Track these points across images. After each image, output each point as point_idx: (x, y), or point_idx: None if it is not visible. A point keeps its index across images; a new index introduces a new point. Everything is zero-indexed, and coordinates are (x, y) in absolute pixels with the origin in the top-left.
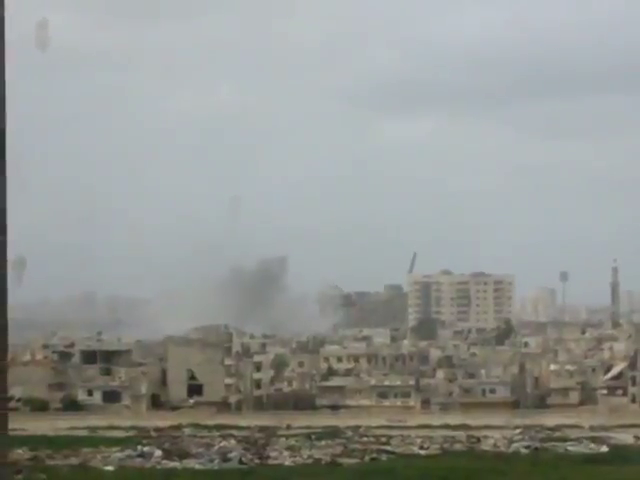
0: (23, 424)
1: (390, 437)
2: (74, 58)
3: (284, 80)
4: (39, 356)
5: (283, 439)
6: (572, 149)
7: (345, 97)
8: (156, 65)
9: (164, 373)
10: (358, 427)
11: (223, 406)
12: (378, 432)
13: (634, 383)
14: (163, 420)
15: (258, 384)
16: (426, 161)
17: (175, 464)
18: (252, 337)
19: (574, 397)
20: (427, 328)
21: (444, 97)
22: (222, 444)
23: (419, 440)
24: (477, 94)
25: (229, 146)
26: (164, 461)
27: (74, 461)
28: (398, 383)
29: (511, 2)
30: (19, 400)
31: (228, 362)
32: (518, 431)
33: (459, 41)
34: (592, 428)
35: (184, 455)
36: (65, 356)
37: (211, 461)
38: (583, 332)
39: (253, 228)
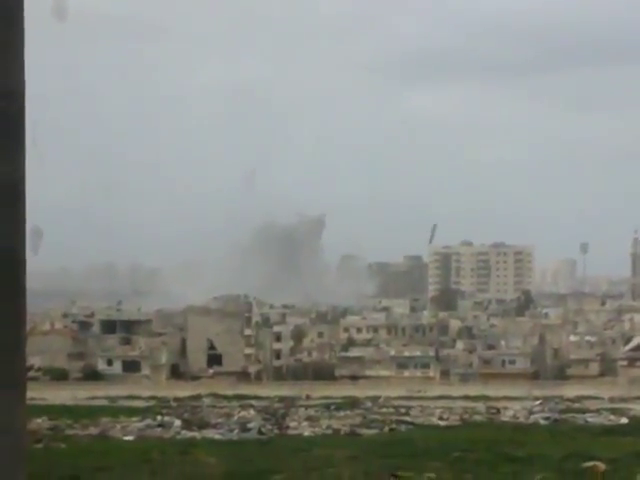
0: (42, 393)
1: (409, 408)
2: (96, 26)
3: (309, 52)
4: (59, 325)
5: (302, 409)
6: (599, 121)
7: (373, 67)
8: (177, 39)
9: (184, 343)
10: (377, 398)
11: (242, 376)
12: (397, 403)
13: None
14: (183, 390)
15: (278, 354)
16: (453, 132)
17: (194, 434)
18: (272, 307)
19: (594, 368)
20: (447, 299)
21: (474, 67)
22: (241, 414)
23: (438, 411)
24: (507, 64)
25: (252, 117)
26: (183, 431)
27: (93, 431)
28: (417, 354)
29: None
30: (39, 369)
31: (247, 332)
32: (537, 402)
33: (489, 10)
34: (612, 399)
35: (203, 425)
36: (85, 326)
37: (230, 431)
38: (603, 303)
39: (273, 199)
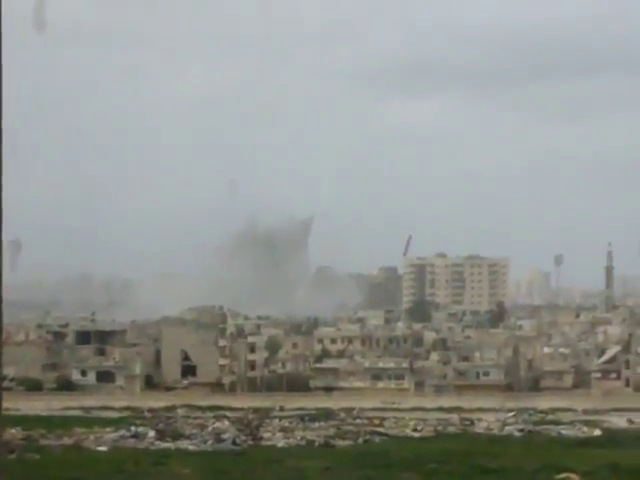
0: (17, 404)
1: (384, 419)
2: (76, 37)
3: (288, 61)
4: (33, 336)
5: (276, 420)
6: (578, 132)
7: (351, 78)
8: (158, 46)
9: (158, 354)
10: (351, 409)
11: (217, 387)
12: (372, 414)
13: (628, 367)
14: (157, 401)
15: (252, 365)
16: (427, 143)
17: (168, 445)
18: (246, 318)
19: (568, 380)
20: (421, 310)
21: (455, 77)
22: (215, 425)
23: (412, 422)
24: (489, 75)
25: (231, 127)
26: (157, 442)
27: (67, 441)
28: (392, 365)
29: None
30: (13, 380)
31: (222, 343)
32: (511, 414)
33: (468, 22)
34: (585, 411)
35: (177, 436)
36: (59, 336)
37: (204, 442)
38: (577, 315)
39: (252, 209)
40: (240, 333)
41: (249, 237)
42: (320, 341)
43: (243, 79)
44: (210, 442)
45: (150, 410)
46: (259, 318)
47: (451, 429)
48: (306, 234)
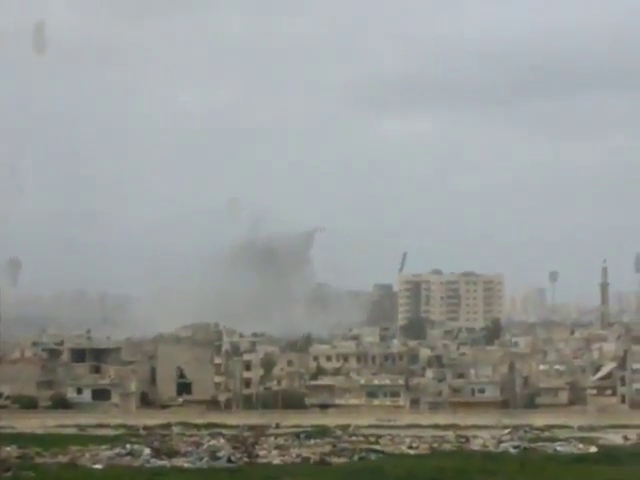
0: (12, 422)
1: (379, 436)
2: (75, 54)
3: (284, 77)
4: (28, 353)
5: (272, 438)
6: (568, 148)
7: (347, 95)
8: (157, 62)
9: (153, 371)
10: (347, 426)
11: (212, 404)
12: (367, 431)
13: (623, 383)
14: (152, 418)
15: (247, 383)
16: (423, 159)
17: (164, 463)
18: (242, 336)
19: (563, 397)
20: (417, 327)
21: (445, 95)
22: (211, 443)
23: (408, 439)
24: (481, 92)
25: (229, 144)
26: (153, 460)
27: (63, 459)
28: (387, 382)
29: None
30: (8, 398)
31: (217, 360)
32: (507, 431)
33: (461, 38)
34: (581, 428)
35: (173, 454)
36: (54, 354)
37: (200, 460)
38: (572, 332)
39: (251, 225)
40: (235, 350)
41: (248, 253)
42: (315, 358)
43: (241, 95)
44: (205, 460)
45: (145, 428)
46: (254, 335)
47: (446, 446)
48: (308, 248)
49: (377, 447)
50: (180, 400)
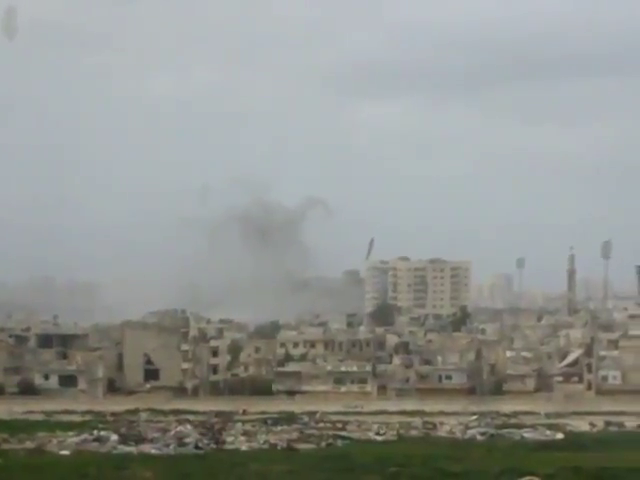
0: None
1: (346, 423)
2: (52, 37)
3: (263, 62)
4: None
5: (239, 424)
6: (539, 134)
7: (323, 80)
8: (136, 45)
9: (120, 357)
10: (314, 413)
11: (179, 391)
12: (334, 418)
13: (590, 370)
14: (119, 405)
15: (215, 369)
16: (398, 145)
17: (131, 449)
18: (209, 322)
19: (530, 384)
20: (384, 314)
21: (422, 80)
22: (178, 429)
23: (375, 426)
24: (458, 78)
25: (205, 128)
26: (120, 446)
27: (30, 445)
28: (355, 369)
29: None
30: None
31: (185, 347)
32: (474, 417)
33: (440, 24)
34: (548, 415)
35: (140, 440)
36: (21, 340)
37: (167, 446)
38: (539, 319)
39: (226, 211)
40: (203, 337)
41: (224, 237)
42: (283, 345)
43: (219, 80)
44: (173, 446)
45: (112, 414)
46: (222, 322)
47: (414, 432)
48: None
49: (344, 433)
50: (147, 386)
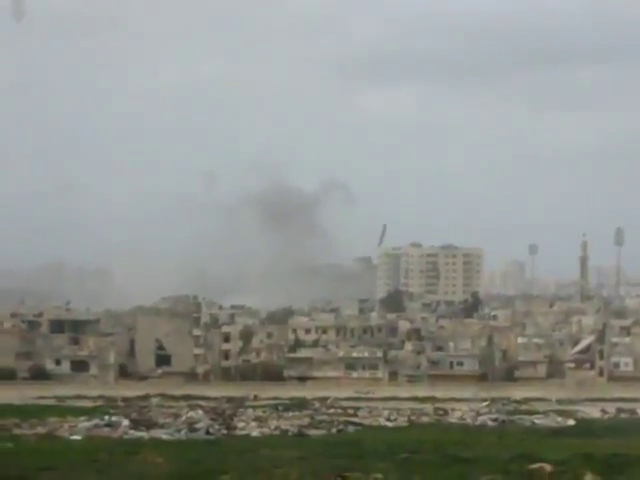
0: None
1: (357, 409)
2: (55, 25)
3: (267, 51)
4: (7, 325)
5: (250, 410)
6: (553, 122)
7: (326, 68)
8: (140, 33)
9: (132, 343)
10: (325, 398)
11: (191, 376)
12: (345, 404)
13: (601, 357)
14: (131, 390)
15: (226, 355)
16: (405, 133)
17: (142, 434)
18: (221, 308)
19: (542, 370)
20: (396, 300)
21: (427, 69)
22: (189, 414)
23: (386, 412)
24: (463, 66)
25: (211, 116)
26: (131, 431)
27: (41, 430)
28: (366, 355)
29: None
30: None
31: (196, 332)
32: (485, 404)
33: (444, 13)
34: (559, 401)
35: (151, 425)
36: (33, 325)
37: (178, 431)
38: (551, 305)
39: (230, 198)
40: (214, 322)
41: (238, 222)
42: (294, 331)
43: (223, 68)
44: (184, 431)
45: (124, 399)
46: (233, 307)
47: (425, 419)
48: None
49: (355, 419)
50: (159, 372)
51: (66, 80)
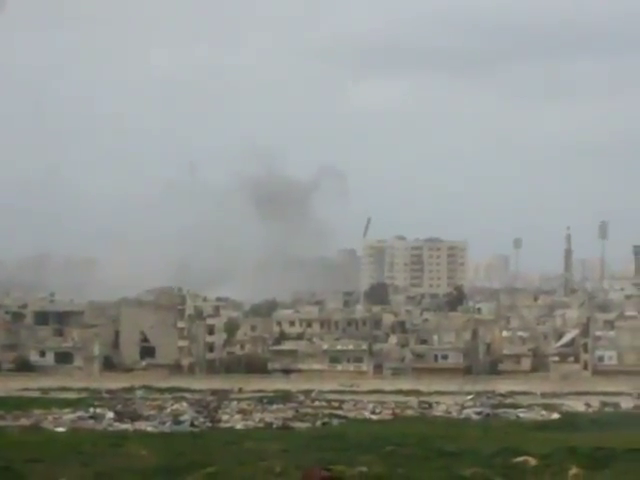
0: None
1: (342, 402)
2: (40, 17)
3: (263, 38)
4: None
5: (235, 402)
6: (537, 115)
7: (324, 56)
8: (131, 23)
9: (117, 335)
10: (310, 391)
11: (175, 369)
12: (330, 397)
13: (586, 350)
14: (115, 382)
15: (211, 347)
16: (401, 124)
17: (127, 426)
18: (205, 300)
19: (526, 364)
20: (380, 293)
21: (422, 61)
22: (174, 407)
23: (371, 405)
24: (458, 56)
25: (198, 105)
26: (116, 423)
27: (25, 422)
28: (351, 348)
29: None
30: None
31: (181, 325)
32: (470, 397)
33: (443, 3)
34: (543, 395)
35: (136, 417)
36: (18, 317)
37: (163, 424)
38: (535, 299)
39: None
40: (199, 315)
41: (224, 214)
42: (279, 323)
43: (212, 59)
44: (168, 424)
45: (108, 391)
46: (218, 300)
47: (409, 412)
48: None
49: (340, 412)
50: (143, 364)
51: (50, 68)
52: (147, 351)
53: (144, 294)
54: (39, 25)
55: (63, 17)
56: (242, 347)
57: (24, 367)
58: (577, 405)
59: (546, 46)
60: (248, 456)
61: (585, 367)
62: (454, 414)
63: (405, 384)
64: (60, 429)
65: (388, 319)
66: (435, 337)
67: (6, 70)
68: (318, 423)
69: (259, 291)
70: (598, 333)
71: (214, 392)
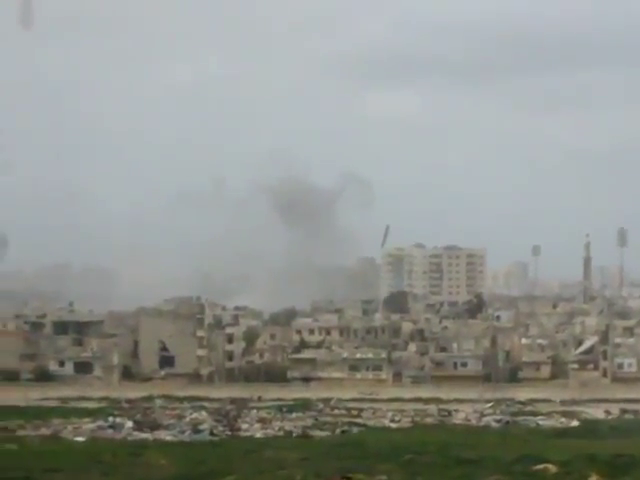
0: None
1: (361, 410)
2: (59, 27)
3: (271, 51)
4: (11, 326)
5: (254, 411)
6: (554, 124)
7: (333, 69)
8: (141, 33)
9: (136, 344)
10: (329, 400)
11: (195, 378)
12: (349, 405)
13: (605, 357)
14: (134, 391)
15: (230, 356)
16: (408, 133)
17: (146, 435)
18: (224, 309)
19: (545, 371)
20: (399, 301)
21: (433, 70)
22: (193, 416)
23: (390, 413)
24: (470, 66)
25: (214, 115)
26: (135, 432)
27: (45, 432)
28: (370, 356)
29: None
30: None
31: (200, 334)
32: (489, 405)
33: (452, 12)
34: (563, 402)
35: (155, 427)
36: (37, 326)
37: (182, 433)
38: (555, 306)
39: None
40: (218, 324)
41: (243, 224)
42: (298, 332)
43: (226, 70)
44: (188, 433)
45: (128, 401)
46: (237, 309)
47: (429, 420)
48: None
49: (359, 420)
50: (162, 373)
51: (73, 80)
52: (166, 360)
53: (163, 304)
54: (57, 41)
55: (79, 32)
56: (261, 356)
57: (43, 377)
58: (597, 412)
59: (562, 55)
60: (268, 465)
61: (604, 374)
62: (473, 422)
63: (424, 392)
64: (79, 438)
65: (407, 327)
66: (454, 345)
67: (26, 86)
68: (337, 431)
69: (278, 299)
70: (617, 340)
71: (233, 401)
